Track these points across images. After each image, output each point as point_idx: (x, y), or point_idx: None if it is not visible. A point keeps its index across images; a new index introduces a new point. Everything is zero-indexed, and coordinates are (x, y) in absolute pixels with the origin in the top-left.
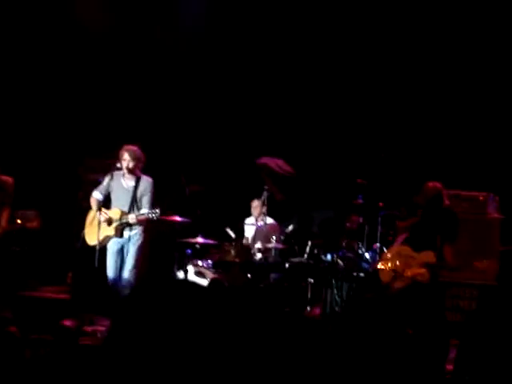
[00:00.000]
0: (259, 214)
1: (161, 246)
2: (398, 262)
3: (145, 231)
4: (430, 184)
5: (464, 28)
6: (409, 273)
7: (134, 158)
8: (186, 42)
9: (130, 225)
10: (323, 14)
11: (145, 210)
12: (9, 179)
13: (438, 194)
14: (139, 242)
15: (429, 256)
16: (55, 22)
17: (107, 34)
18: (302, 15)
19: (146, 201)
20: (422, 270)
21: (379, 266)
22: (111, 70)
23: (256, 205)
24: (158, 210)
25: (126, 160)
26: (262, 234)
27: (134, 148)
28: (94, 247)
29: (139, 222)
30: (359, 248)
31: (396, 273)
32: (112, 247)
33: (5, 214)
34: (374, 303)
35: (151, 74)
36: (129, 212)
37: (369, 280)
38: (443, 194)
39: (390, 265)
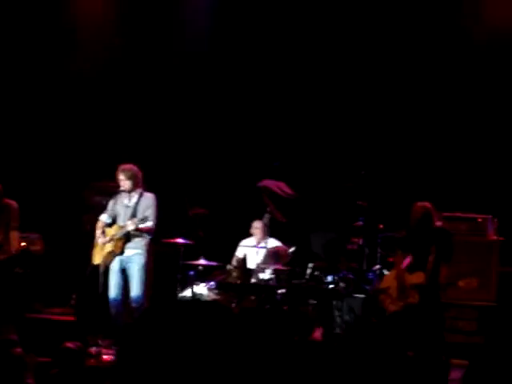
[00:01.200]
0: (262, 236)
1: (164, 268)
2: (393, 285)
3: (147, 252)
4: (419, 204)
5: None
6: (402, 296)
7: (130, 176)
8: (188, 59)
9: (129, 237)
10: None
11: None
12: (13, 203)
13: (427, 212)
14: (141, 261)
15: (419, 277)
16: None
17: (112, 58)
18: (315, 26)
19: (149, 214)
20: (412, 292)
21: (378, 289)
22: (115, 92)
23: (257, 226)
24: (150, 219)
25: (122, 180)
26: (266, 255)
27: (128, 167)
28: (97, 269)
29: (138, 231)
30: (359, 270)
31: (391, 296)
32: (114, 266)
33: (13, 238)
34: (374, 326)
35: (155, 97)
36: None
37: (369, 302)
38: (433, 214)
39: (386, 288)
